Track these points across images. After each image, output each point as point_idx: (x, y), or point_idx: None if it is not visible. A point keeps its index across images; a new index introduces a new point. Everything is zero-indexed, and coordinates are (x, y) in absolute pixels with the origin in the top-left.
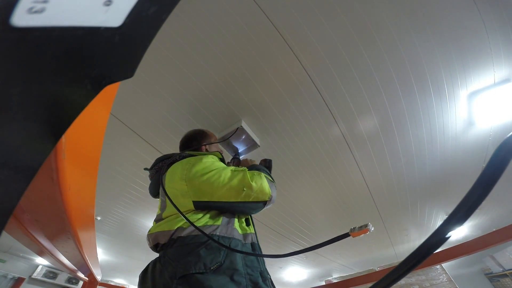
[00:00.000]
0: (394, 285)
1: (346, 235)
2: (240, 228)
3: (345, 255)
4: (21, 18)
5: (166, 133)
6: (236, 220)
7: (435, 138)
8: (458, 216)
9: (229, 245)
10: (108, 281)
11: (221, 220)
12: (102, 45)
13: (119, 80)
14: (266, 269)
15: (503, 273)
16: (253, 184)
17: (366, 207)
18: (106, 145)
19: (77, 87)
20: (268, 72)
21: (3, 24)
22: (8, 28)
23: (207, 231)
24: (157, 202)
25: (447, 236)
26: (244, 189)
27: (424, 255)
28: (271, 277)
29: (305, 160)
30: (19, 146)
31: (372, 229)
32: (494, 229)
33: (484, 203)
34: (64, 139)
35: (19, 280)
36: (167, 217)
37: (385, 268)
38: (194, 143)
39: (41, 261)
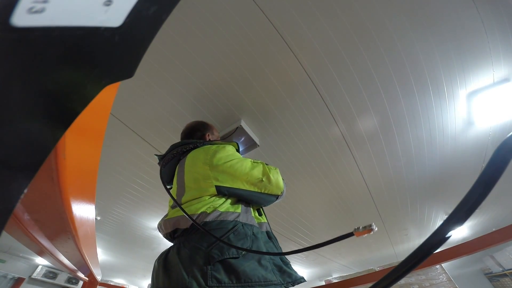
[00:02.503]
0: (394, 284)
1: (350, 235)
2: (255, 217)
3: (345, 255)
4: (21, 18)
5: (166, 133)
6: (251, 209)
7: (434, 138)
8: (458, 216)
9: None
10: (108, 281)
11: (240, 208)
12: (102, 45)
13: (119, 80)
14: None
15: (503, 273)
16: (271, 176)
17: (366, 207)
18: (106, 145)
19: (77, 87)
20: (268, 72)
21: (3, 24)
22: (8, 28)
23: (230, 218)
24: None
25: (447, 236)
26: (263, 179)
27: (424, 255)
28: None
29: (304, 160)
30: (19, 146)
31: (376, 229)
32: (494, 229)
33: (484, 202)
34: (64, 139)
35: (19, 280)
36: (187, 201)
37: (385, 268)
38: (197, 133)
39: (41, 261)
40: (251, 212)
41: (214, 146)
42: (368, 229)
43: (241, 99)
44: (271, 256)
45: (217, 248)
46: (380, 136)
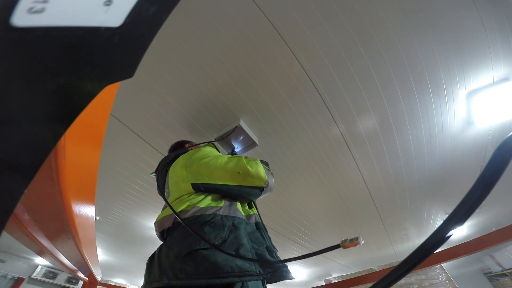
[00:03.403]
0: (394, 285)
1: (337, 246)
2: (243, 211)
3: (345, 255)
4: (21, 18)
5: (165, 133)
6: (238, 203)
7: (434, 138)
8: (458, 216)
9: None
10: (108, 281)
11: (223, 203)
12: (102, 45)
13: (119, 80)
14: (272, 244)
15: (503, 272)
16: (249, 168)
17: (366, 207)
18: (106, 145)
19: (77, 87)
20: (267, 72)
21: (3, 24)
22: (8, 28)
23: (210, 212)
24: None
25: (447, 236)
26: (239, 171)
27: (424, 255)
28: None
29: (304, 160)
30: (19, 146)
31: (362, 242)
32: (493, 229)
33: (483, 202)
34: (64, 139)
35: (19, 280)
36: (171, 203)
37: (385, 268)
38: (179, 147)
39: (41, 261)
40: (235, 206)
41: (192, 151)
42: (354, 242)
43: (240, 98)
44: (255, 245)
45: (188, 241)
46: (380, 136)
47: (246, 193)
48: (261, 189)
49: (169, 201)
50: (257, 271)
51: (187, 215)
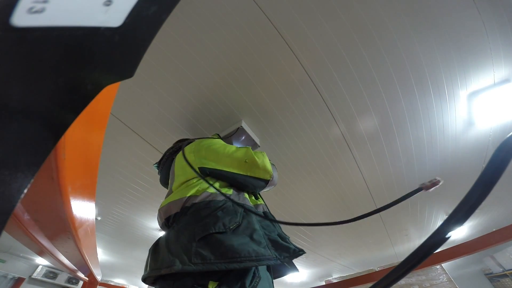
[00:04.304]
0: (394, 285)
1: (418, 190)
2: (250, 200)
3: (345, 255)
4: (21, 18)
5: (166, 133)
6: (245, 193)
7: (435, 138)
8: (458, 216)
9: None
10: (108, 281)
11: (232, 191)
12: (102, 45)
13: (119, 80)
14: (283, 232)
15: (503, 273)
16: (256, 158)
17: (366, 207)
18: (106, 145)
19: (77, 87)
20: (268, 72)
21: (3, 24)
22: (8, 28)
23: (220, 198)
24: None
25: (447, 236)
26: (246, 160)
27: (424, 255)
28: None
29: (305, 160)
30: (19, 146)
31: (442, 182)
32: (494, 229)
33: (484, 203)
34: (64, 139)
35: (19, 280)
36: (177, 188)
37: (385, 268)
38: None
39: (41, 261)
40: (243, 195)
41: (199, 139)
42: (434, 182)
43: (241, 99)
44: (266, 232)
45: (201, 225)
46: (381, 136)
47: (250, 184)
48: (266, 182)
49: (175, 185)
50: (273, 255)
51: (197, 200)
